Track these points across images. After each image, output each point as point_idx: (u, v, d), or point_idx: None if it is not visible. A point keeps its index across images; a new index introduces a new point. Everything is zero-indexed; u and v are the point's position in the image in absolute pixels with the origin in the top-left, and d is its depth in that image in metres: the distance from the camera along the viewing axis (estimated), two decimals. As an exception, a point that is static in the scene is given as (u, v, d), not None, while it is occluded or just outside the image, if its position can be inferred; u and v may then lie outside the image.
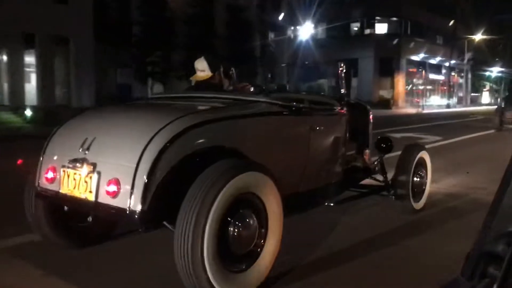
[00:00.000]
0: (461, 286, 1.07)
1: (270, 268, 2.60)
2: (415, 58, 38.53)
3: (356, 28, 38.10)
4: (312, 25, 31.24)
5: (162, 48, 21.71)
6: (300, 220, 3.80)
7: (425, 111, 31.59)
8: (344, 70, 3.83)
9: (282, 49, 29.23)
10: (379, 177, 4.30)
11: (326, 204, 3.61)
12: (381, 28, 37.16)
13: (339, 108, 3.78)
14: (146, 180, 2.33)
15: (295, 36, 30.83)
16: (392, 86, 36.63)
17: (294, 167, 3.24)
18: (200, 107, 3.06)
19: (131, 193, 2.33)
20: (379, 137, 4.37)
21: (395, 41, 35.54)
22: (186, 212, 2.23)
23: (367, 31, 37.53)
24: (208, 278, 2.24)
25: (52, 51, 19.25)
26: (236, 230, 2.41)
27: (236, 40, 23.76)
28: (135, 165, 2.36)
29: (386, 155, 4.32)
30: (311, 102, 3.68)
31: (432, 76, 42.20)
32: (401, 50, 36.19)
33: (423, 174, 4.35)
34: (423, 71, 38.98)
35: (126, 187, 2.36)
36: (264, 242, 2.59)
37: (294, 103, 3.29)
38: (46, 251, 3.15)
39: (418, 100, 35.75)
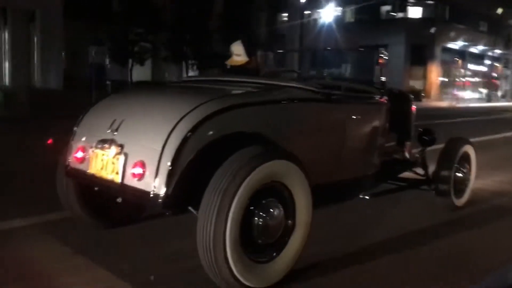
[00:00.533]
0: None
1: (295, 260, 2.53)
2: (452, 46, 34.79)
3: (387, 12, 34.24)
4: (338, 7, 28.83)
5: (146, 25, 18.96)
6: (334, 211, 3.68)
7: (461, 104, 28.99)
8: (386, 57, 3.67)
9: (299, 33, 25.68)
10: (420, 171, 4.12)
11: (361, 196, 3.48)
12: (414, 12, 33.44)
13: (379, 97, 3.61)
14: (171, 164, 2.29)
15: (315, 19, 28.24)
16: (424, 76, 33.00)
17: (326, 156, 3.12)
18: (229, 92, 2.99)
19: (156, 176, 2.31)
20: (421, 129, 4.18)
21: (432, 30, 31.86)
22: (210, 198, 2.19)
23: (399, 15, 33.68)
24: (229, 265, 2.20)
25: (22, 27, 16.97)
26: (260, 219, 2.35)
27: (235, 19, 20.72)
28: (160, 149, 2.33)
29: (428, 148, 4.14)
30: (349, 89, 3.52)
31: (472, 66, 38.43)
32: (436, 37, 32.35)
33: (466, 169, 4.13)
34: (460, 61, 34.87)
35: (151, 170, 2.33)
36: (290, 233, 2.51)
37: (329, 90, 3.16)
38: (76, 229, 3.20)
39: (456, 93, 32.58)
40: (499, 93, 40.90)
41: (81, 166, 2.77)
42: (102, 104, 3.02)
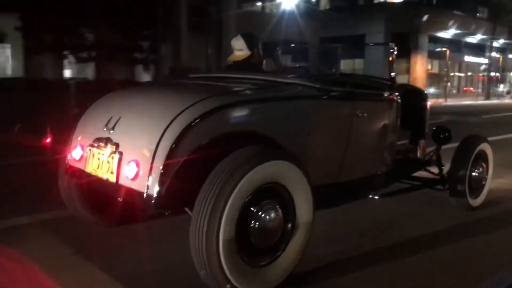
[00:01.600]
0: None
1: (296, 264, 2.45)
2: (442, 34, 30.90)
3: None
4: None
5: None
6: (343, 212, 3.55)
7: (450, 102, 24.99)
8: (395, 52, 3.50)
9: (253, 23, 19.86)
10: (435, 170, 3.97)
11: (371, 196, 3.35)
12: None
13: (388, 93, 3.46)
14: (165, 164, 2.22)
15: (270, 6, 24.98)
16: (408, 70, 29.34)
17: (332, 155, 3.01)
18: (227, 89, 2.89)
19: (149, 177, 2.24)
20: (434, 127, 4.04)
21: (424, 17, 27.64)
22: (203, 198, 2.12)
23: (378, 0, 30.69)
24: (222, 268, 2.12)
25: None
26: (257, 221, 2.28)
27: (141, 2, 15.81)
28: (154, 147, 2.26)
29: (444, 146, 3.99)
30: (356, 86, 3.39)
31: (469, 58, 33.89)
32: (420, 24, 28.41)
33: (483, 169, 3.98)
34: (448, 51, 29.66)
35: (144, 170, 2.27)
36: (290, 236, 2.43)
37: (334, 87, 3.04)
38: (78, 228, 3.17)
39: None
40: (505, 89, 36.85)
41: (79, 165, 2.74)
42: (101, 101, 2.96)
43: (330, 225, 3.37)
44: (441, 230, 3.47)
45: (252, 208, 2.26)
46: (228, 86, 2.97)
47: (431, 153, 4.00)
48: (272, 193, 2.35)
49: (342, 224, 3.38)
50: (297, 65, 3.90)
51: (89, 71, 17.45)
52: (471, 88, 31.76)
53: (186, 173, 2.25)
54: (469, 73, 35.65)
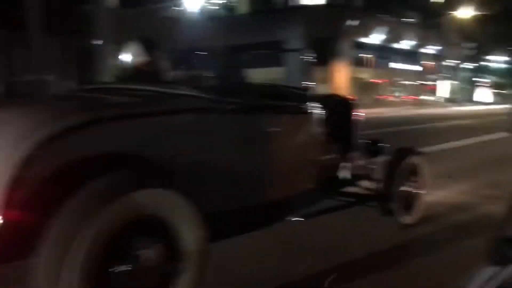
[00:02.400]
0: (488, 270, 1.29)
1: None
2: (368, 40, 29.06)
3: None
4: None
5: None
6: (261, 239, 3.18)
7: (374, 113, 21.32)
8: (312, 59, 3.27)
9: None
10: (367, 185, 3.72)
11: (293, 219, 3.03)
12: (315, -3, 27.24)
13: (304, 104, 3.16)
14: (3, 198, 1.82)
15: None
16: (330, 79, 26.50)
17: (232, 177, 2.63)
18: (98, 102, 2.52)
19: None
20: (366, 139, 3.85)
21: (353, 22, 26.10)
22: (50, 241, 1.80)
23: (294, 2, 28.35)
24: None
25: None
26: (127, 266, 1.93)
27: None
28: None
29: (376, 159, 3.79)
30: (266, 96, 3.07)
31: (398, 65, 32.30)
32: (342, 28, 26.27)
33: (415, 183, 3.78)
34: (373, 58, 28.83)
35: None
36: (176, 277, 2.12)
37: (235, 99, 2.67)
38: None
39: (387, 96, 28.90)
40: (439, 96, 36.51)
41: None
42: None
43: (266, 250, 3.16)
44: (382, 248, 3.31)
45: (119, 250, 1.91)
46: (103, 99, 2.58)
47: (363, 168, 3.75)
48: (148, 229, 2.03)
49: (285, 246, 3.22)
50: (206, 75, 3.48)
51: None
52: (416, 96, 31.65)
53: (34, 208, 1.85)
54: (400, 81, 34.16)
